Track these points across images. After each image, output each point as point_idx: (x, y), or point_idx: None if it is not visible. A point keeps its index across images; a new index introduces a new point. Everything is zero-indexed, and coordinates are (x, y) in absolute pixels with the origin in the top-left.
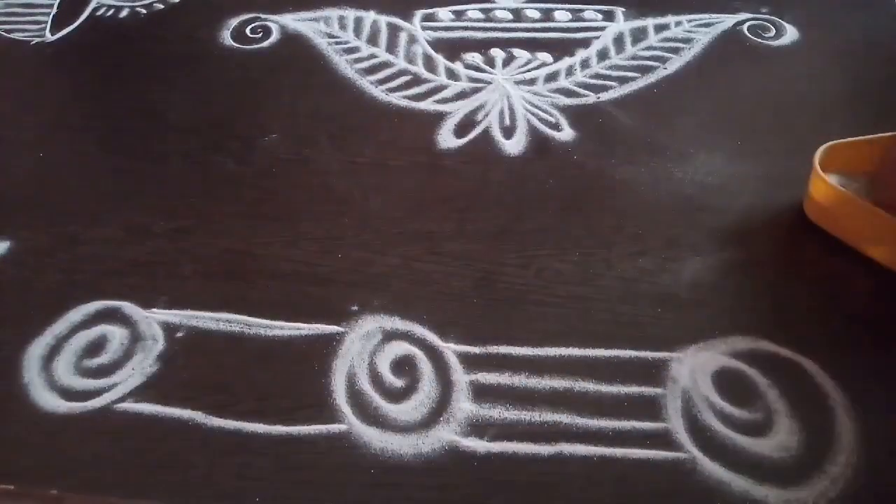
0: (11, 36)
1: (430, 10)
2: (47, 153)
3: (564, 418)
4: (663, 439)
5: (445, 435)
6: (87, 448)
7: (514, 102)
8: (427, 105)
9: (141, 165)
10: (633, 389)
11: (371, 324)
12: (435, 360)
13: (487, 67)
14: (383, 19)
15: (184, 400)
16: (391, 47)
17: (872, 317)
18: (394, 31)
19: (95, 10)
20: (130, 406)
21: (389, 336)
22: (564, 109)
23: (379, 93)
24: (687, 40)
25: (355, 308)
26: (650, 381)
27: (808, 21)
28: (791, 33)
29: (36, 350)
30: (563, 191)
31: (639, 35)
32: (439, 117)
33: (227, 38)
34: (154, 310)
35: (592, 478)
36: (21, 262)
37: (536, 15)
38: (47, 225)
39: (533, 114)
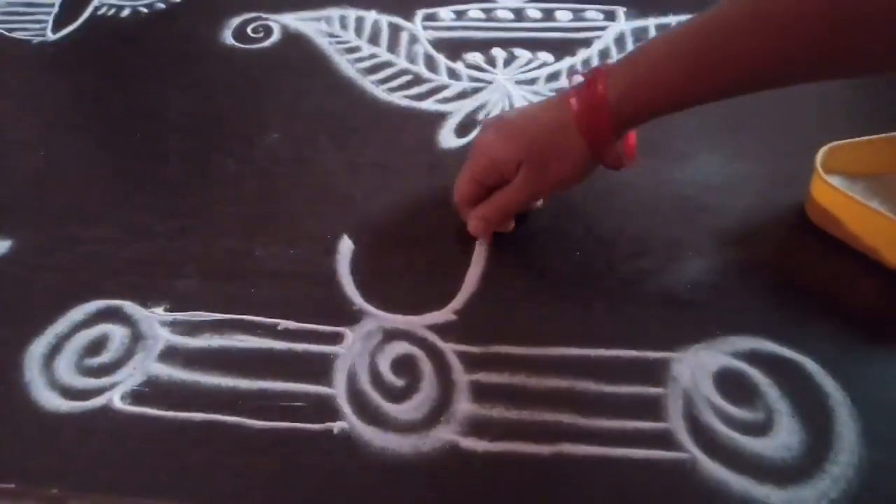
0: (13, 35)
1: (431, 10)
2: (48, 152)
3: (565, 418)
4: (664, 439)
5: (446, 435)
6: (88, 447)
7: (516, 102)
8: (428, 105)
9: (141, 165)
10: (634, 389)
11: (372, 323)
12: (435, 359)
13: (489, 67)
14: (384, 19)
15: (184, 399)
16: (392, 47)
17: (873, 317)
18: (395, 30)
19: (97, 9)
20: (131, 405)
21: (390, 336)
22: None
23: (380, 92)
24: None
25: (356, 308)
26: (651, 381)
27: None
28: None
29: (37, 349)
30: (564, 191)
31: (640, 35)
32: (440, 117)
33: (228, 37)
34: (155, 309)
35: (593, 478)
36: (22, 261)
37: (538, 14)
38: (48, 224)
39: None
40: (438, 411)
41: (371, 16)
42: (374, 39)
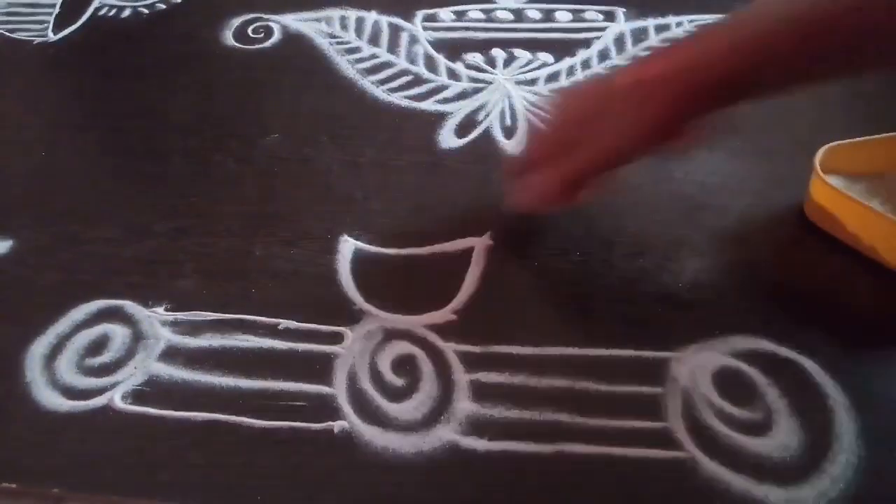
0: (14, 36)
1: (431, 11)
2: (49, 153)
3: (565, 418)
4: (663, 439)
5: (446, 434)
6: (89, 447)
7: (515, 102)
8: (428, 105)
9: (142, 165)
10: (634, 389)
11: (372, 323)
12: (436, 359)
13: (488, 67)
14: (385, 19)
15: (185, 399)
16: (392, 47)
17: (872, 317)
18: (395, 31)
19: (97, 9)
20: (132, 405)
21: (390, 335)
22: None
23: (380, 93)
24: None
25: (356, 308)
26: (650, 381)
27: None
28: None
29: (38, 349)
30: None
31: (640, 35)
32: (440, 117)
33: (228, 38)
34: (156, 309)
35: (593, 477)
36: (23, 261)
37: (537, 15)
38: (49, 224)
39: (534, 114)
40: (438, 411)
41: (371, 16)
42: (374, 40)
